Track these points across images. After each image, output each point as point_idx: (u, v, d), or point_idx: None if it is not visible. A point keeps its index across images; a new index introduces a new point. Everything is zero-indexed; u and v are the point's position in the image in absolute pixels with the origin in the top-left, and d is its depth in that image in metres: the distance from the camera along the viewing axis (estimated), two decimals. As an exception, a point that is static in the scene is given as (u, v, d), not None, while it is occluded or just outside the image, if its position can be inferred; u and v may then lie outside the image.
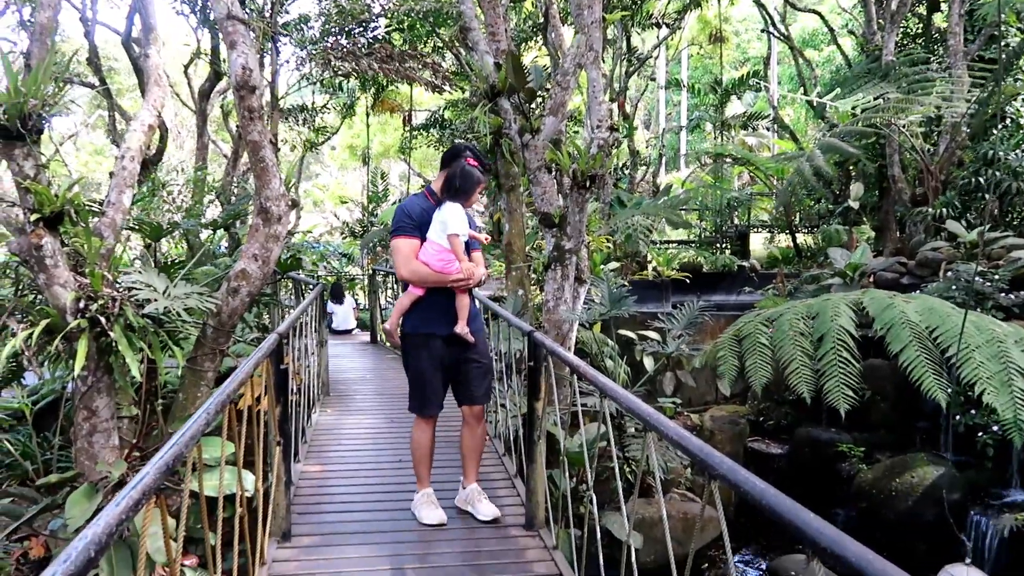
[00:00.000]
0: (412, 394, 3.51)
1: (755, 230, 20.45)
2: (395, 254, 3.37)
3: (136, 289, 4.59)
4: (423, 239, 3.38)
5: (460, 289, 3.39)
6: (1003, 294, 6.79)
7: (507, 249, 8.45)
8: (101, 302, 4.58)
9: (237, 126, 12.15)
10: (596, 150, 6.31)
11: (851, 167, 12.92)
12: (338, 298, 12.96)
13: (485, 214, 15.59)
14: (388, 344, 3.73)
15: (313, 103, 16.33)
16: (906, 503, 5.88)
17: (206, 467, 4.60)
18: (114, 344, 4.59)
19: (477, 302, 3.61)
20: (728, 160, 17.11)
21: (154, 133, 6.03)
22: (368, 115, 18.61)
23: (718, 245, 18.80)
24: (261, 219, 5.24)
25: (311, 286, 6.57)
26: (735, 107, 23.78)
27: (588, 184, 6.39)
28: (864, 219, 15.75)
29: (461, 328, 3.40)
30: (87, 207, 5.26)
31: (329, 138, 19.43)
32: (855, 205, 10.18)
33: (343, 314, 12.83)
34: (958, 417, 6.17)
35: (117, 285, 4.79)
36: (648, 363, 9.15)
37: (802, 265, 14.15)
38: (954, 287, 6.86)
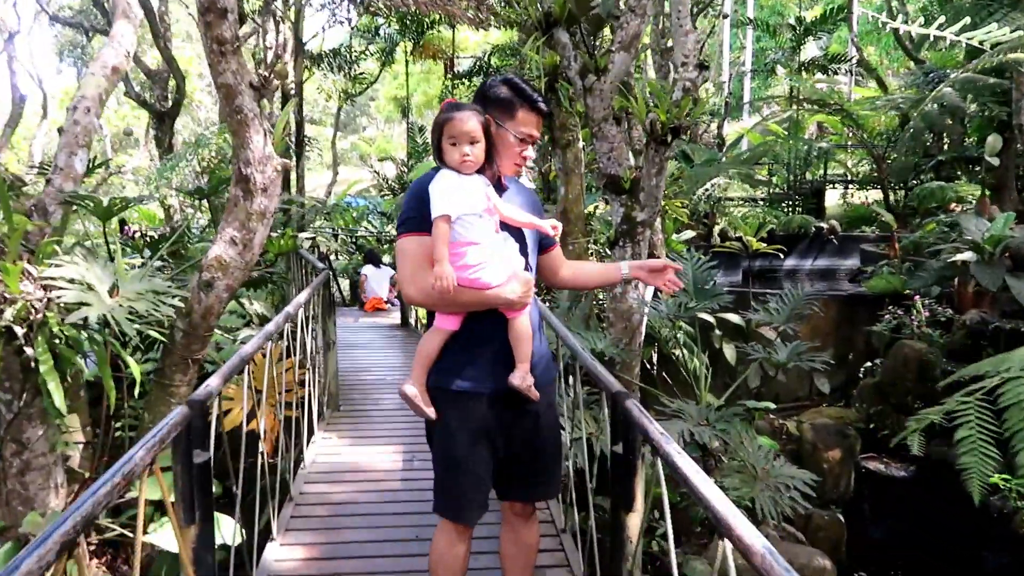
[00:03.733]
0: (439, 487, 2.17)
1: (831, 186, 18.59)
2: (401, 261, 2.06)
3: (61, 288, 3.37)
4: None
5: (514, 310, 2.09)
6: None
7: (562, 218, 7.06)
8: (18, 306, 3.39)
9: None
10: (681, 94, 4.85)
11: (963, 117, 11.06)
12: (374, 261, 11.73)
13: (535, 171, 14.11)
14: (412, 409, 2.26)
15: (350, 47, 14.97)
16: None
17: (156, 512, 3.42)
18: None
19: (537, 318, 2.23)
20: (805, 108, 15.22)
21: (119, 77, 4.77)
22: (408, 62, 17.17)
23: (789, 203, 17.06)
24: (240, 190, 3.98)
25: (317, 270, 5.20)
26: (809, 51, 21.56)
27: (670, 138, 4.96)
28: (959, 175, 13.84)
29: (521, 378, 2.06)
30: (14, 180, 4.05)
31: (367, 87, 18.13)
32: (994, 161, 8.47)
33: (377, 279, 11.56)
34: None
35: (48, 281, 3.58)
36: (729, 353, 7.74)
37: (899, 228, 12.40)
38: None
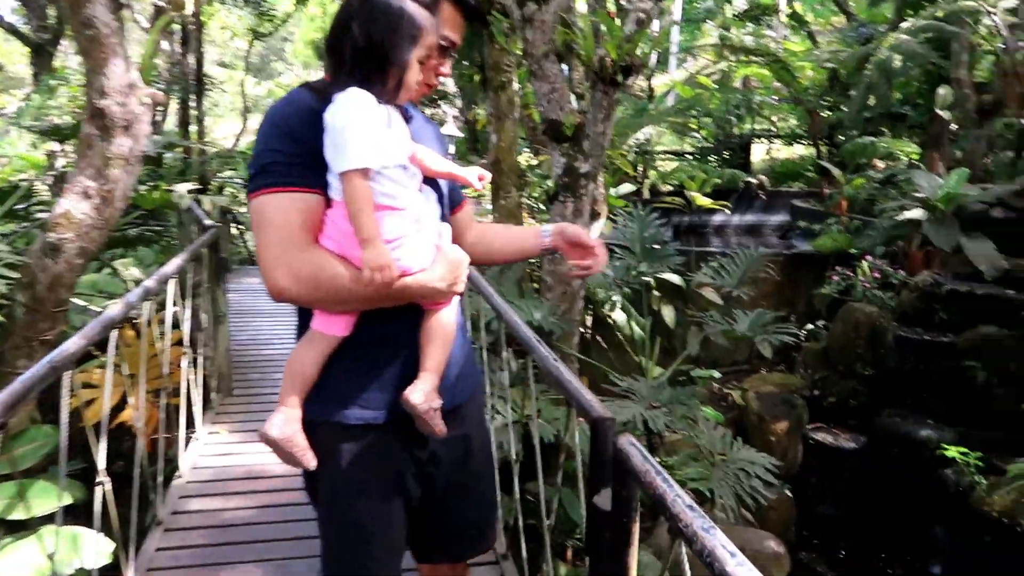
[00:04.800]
0: (331, 562, 1.48)
1: (759, 140, 18.45)
2: (261, 232, 1.32)
3: None
4: (325, 192, 1.32)
5: (437, 303, 1.44)
6: None
7: (493, 170, 6.38)
8: None
9: None
10: (634, 27, 4.21)
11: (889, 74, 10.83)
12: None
13: (460, 119, 13.30)
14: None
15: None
16: (1059, 544, 4.23)
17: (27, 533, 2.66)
18: None
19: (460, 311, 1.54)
20: (738, 59, 14.85)
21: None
22: (326, 3, 15.93)
23: (718, 157, 16.84)
24: (95, 127, 3.15)
25: (201, 228, 4.31)
26: (737, 3, 21.21)
27: (620, 78, 4.33)
28: (884, 131, 13.79)
29: (423, 397, 1.39)
30: None
31: (279, 27, 16.79)
32: (945, 115, 8.19)
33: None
34: None
35: None
36: (668, 315, 7.31)
37: (827, 184, 12.25)
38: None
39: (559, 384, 1.65)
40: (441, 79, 1.46)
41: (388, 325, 1.41)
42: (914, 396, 5.65)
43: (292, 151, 1.28)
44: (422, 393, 1.38)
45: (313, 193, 1.30)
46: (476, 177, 1.52)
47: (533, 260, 7.54)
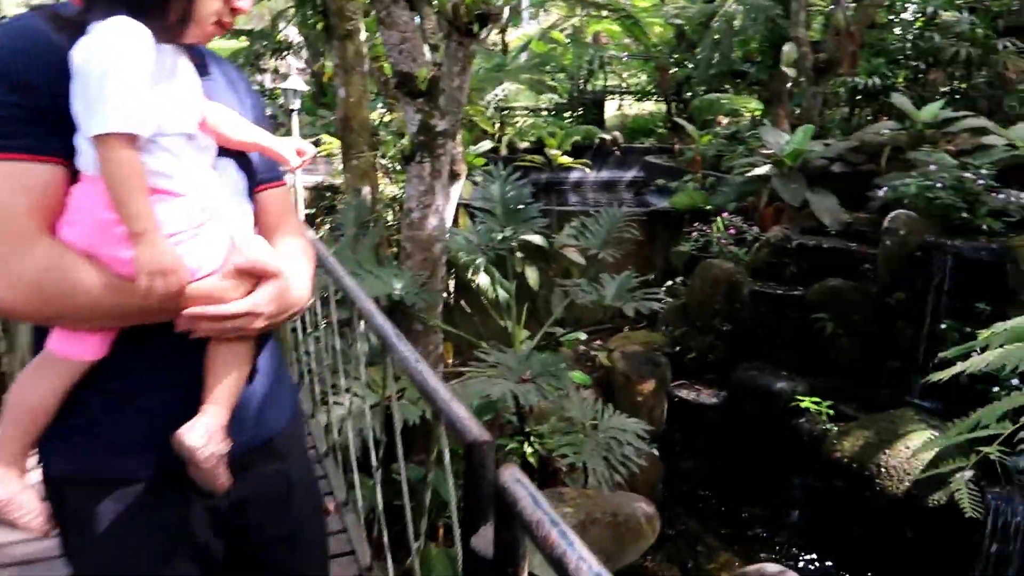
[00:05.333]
0: None
1: (612, 97, 18.70)
2: None
3: None
4: (69, 160, 0.96)
5: (212, 329, 1.02)
6: (993, 194, 5.34)
7: (342, 126, 5.91)
8: None
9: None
10: (491, -28, 3.90)
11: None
12: None
13: (307, 72, 12.42)
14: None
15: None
16: (902, 485, 4.45)
17: None
18: None
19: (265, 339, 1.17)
20: (591, 14, 14.84)
21: None
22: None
23: (572, 113, 16.92)
24: None
25: None
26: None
27: (476, 28, 4.02)
28: (728, 87, 14.30)
29: (200, 437, 0.99)
30: None
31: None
32: (791, 71, 8.42)
33: None
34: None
35: None
36: (532, 276, 7.18)
37: (678, 141, 12.54)
38: (937, 183, 5.29)
39: (424, 394, 1.36)
40: (239, 14, 1.07)
41: (158, 341, 1.04)
42: (768, 349, 5.84)
43: (19, 103, 0.90)
44: (202, 433, 1.02)
45: (49, 162, 0.92)
46: (293, 152, 1.17)
47: (392, 224, 7.16)
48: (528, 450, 4.73)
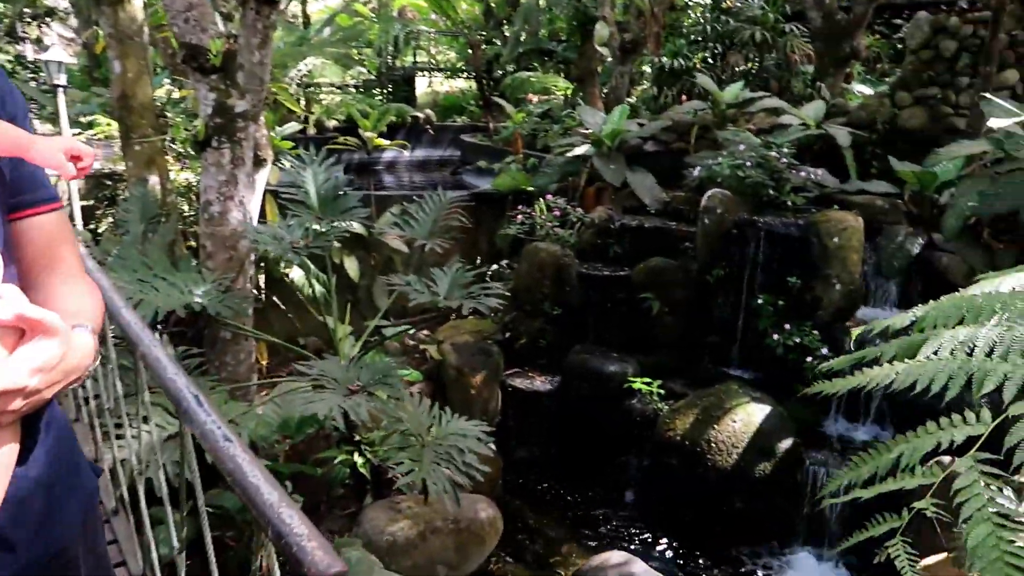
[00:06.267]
0: None
1: (422, 74, 18.30)
2: None
3: None
4: None
5: None
6: (794, 172, 5.64)
7: (120, 105, 5.12)
8: None
9: None
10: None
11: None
12: None
13: (77, 43, 10.89)
14: None
15: None
16: (731, 459, 4.57)
17: None
18: None
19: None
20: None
21: None
22: None
23: (382, 90, 16.36)
24: None
25: None
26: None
27: (277, -5, 3.55)
28: (536, 66, 14.43)
29: None
30: None
31: None
32: (605, 51, 8.45)
33: None
34: (776, 336, 4.99)
35: None
36: (351, 267, 6.73)
37: (491, 119, 12.44)
38: (747, 162, 5.49)
39: (241, 491, 0.99)
40: None
41: None
42: (598, 331, 5.84)
43: None
44: None
45: None
46: (65, 155, 0.80)
47: (189, 215, 6.37)
48: (359, 460, 4.36)
